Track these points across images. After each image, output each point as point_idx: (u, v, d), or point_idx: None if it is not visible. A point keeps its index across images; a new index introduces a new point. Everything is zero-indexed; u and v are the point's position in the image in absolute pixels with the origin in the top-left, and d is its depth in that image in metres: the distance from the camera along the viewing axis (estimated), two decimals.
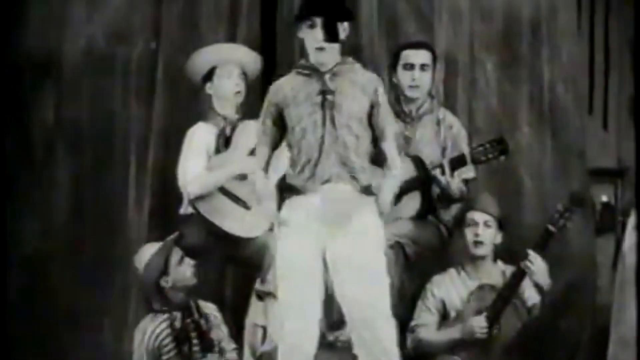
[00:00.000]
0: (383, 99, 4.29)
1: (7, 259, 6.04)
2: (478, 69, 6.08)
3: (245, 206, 5.26)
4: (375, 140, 4.31)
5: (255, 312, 5.29)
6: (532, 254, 5.08)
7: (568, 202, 5.17)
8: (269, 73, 5.84)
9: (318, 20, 4.22)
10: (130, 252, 5.86)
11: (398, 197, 4.90)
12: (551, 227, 5.13)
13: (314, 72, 4.28)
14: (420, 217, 5.31)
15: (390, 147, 4.30)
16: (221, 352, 5.11)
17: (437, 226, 5.39)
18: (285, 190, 4.34)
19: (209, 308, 5.15)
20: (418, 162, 5.32)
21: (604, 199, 6.53)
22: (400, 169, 4.36)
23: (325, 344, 4.69)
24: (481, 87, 6.08)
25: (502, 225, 5.25)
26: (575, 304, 5.71)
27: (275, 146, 4.37)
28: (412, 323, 5.16)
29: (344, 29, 4.28)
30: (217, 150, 5.32)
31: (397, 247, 5.11)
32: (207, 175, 5.25)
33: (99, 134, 6.12)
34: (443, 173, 5.27)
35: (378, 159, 4.38)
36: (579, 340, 5.72)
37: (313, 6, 4.26)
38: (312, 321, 4.24)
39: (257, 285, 5.19)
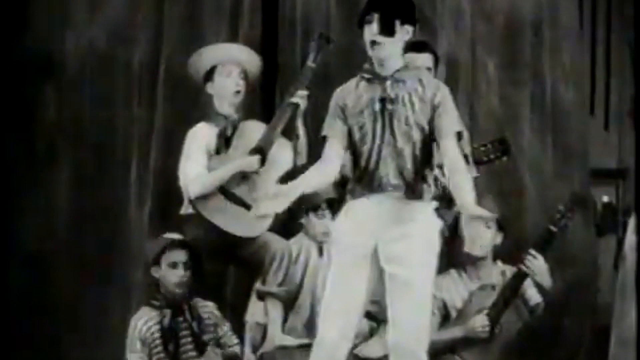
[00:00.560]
0: (444, 101, 4.24)
1: (8, 258, 6.05)
2: (480, 70, 6.09)
3: (246, 206, 5.26)
4: (437, 144, 4.27)
5: (255, 311, 5.28)
6: (534, 254, 5.08)
7: (569, 203, 5.17)
8: (271, 73, 5.86)
9: (375, 15, 4.22)
10: (130, 252, 5.90)
11: None
12: (552, 228, 5.13)
13: (376, 77, 4.27)
14: None
15: (449, 146, 4.23)
16: (222, 346, 5.12)
17: None
18: (346, 192, 4.33)
19: (208, 307, 5.16)
20: None
21: (605, 199, 6.53)
22: (465, 168, 4.26)
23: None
24: (483, 87, 6.08)
25: (502, 226, 5.25)
26: (576, 304, 5.70)
27: (345, 142, 4.32)
28: None
29: (406, 31, 4.26)
30: (218, 150, 5.32)
31: None
32: (208, 175, 5.25)
33: (100, 134, 6.13)
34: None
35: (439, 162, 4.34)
36: (580, 340, 5.72)
37: (371, 3, 4.26)
38: (350, 327, 4.25)
39: (258, 285, 5.19)
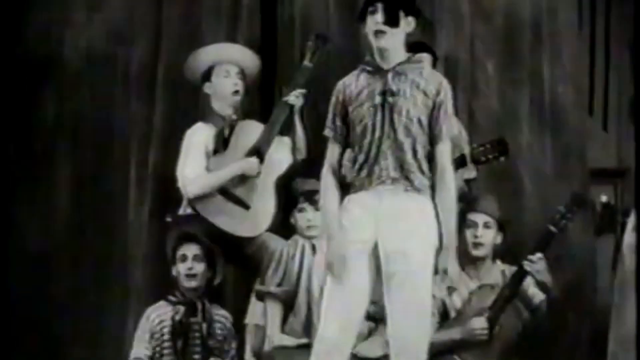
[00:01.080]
0: (445, 100, 4.27)
1: (8, 258, 6.05)
2: (478, 69, 6.08)
3: (245, 206, 5.26)
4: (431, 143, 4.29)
5: (255, 312, 5.29)
6: (534, 255, 5.07)
7: (568, 203, 5.17)
8: (270, 73, 5.86)
9: (379, 6, 4.24)
10: (130, 252, 5.90)
11: None
12: (552, 228, 5.12)
13: (377, 70, 4.29)
14: None
15: (443, 150, 4.27)
16: (221, 352, 5.14)
17: None
18: (344, 187, 4.35)
19: (220, 315, 5.19)
20: None
21: (604, 199, 6.52)
22: (451, 177, 4.29)
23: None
24: (482, 87, 6.07)
25: (501, 226, 5.25)
26: (575, 304, 5.71)
27: (346, 145, 4.36)
28: None
29: (408, 22, 4.30)
30: (216, 151, 5.33)
31: None
32: (207, 176, 5.25)
33: (99, 134, 6.13)
34: None
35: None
36: (579, 340, 5.72)
37: None
38: (352, 324, 4.26)
39: (257, 286, 5.19)
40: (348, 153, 4.39)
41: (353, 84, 4.33)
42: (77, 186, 6.10)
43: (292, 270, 5.09)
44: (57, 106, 6.19)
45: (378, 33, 4.25)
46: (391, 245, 4.21)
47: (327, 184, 4.35)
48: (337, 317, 4.24)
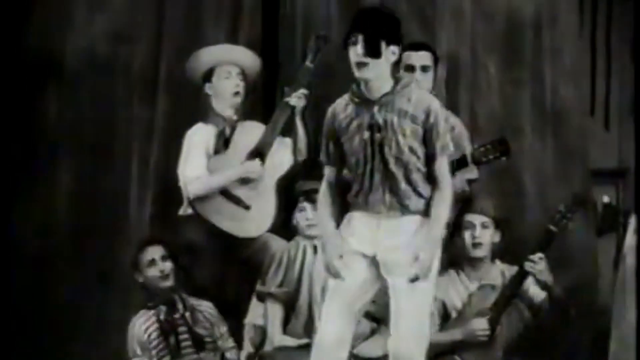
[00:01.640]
0: (435, 119, 4.20)
1: (8, 258, 6.05)
2: (480, 70, 6.08)
3: (245, 207, 5.26)
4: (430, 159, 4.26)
5: (255, 312, 5.29)
6: (535, 255, 5.07)
7: (570, 203, 5.17)
8: (271, 73, 5.86)
9: (360, 37, 4.15)
10: (130, 252, 5.88)
11: None
12: (553, 228, 5.12)
13: (364, 101, 4.22)
14: None
15: (441, 164, 4.24)
16: (218, 349, 5.14)
17: None
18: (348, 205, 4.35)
19: (203, 305, 5.22)
20: None
21: (605, 199, 6.51)
22: (448, 188, 4.25)
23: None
24: (483, 88, 6.07)
25: (499, 224, 5.25)
26: (576, 304, 5.70)
27: (342, 165, 4.33)
28: None
29: (392, 52, 4.19)
30: (217, 151, 5.33)
31: None
32: (209, 178, 5.26)
33: (101, 134, 6.13)
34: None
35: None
36: (579, 340, 5.72)
37: (355, 23, 4.20)
38: (349, 328, 4.26)
39: (258, 286, 5.19)
40: (346, 171, 4.38)
41: (342, 113, 4.27)
42: (79, 186, 6.10)
43: (293, 272, 5.09)
44: (58, 106, 6.18)
45: (359, 65, 4.16)
46: (390, 258, 4.21)
47: (324, 194, 4.35)
48: (335, 316, 4.24)
